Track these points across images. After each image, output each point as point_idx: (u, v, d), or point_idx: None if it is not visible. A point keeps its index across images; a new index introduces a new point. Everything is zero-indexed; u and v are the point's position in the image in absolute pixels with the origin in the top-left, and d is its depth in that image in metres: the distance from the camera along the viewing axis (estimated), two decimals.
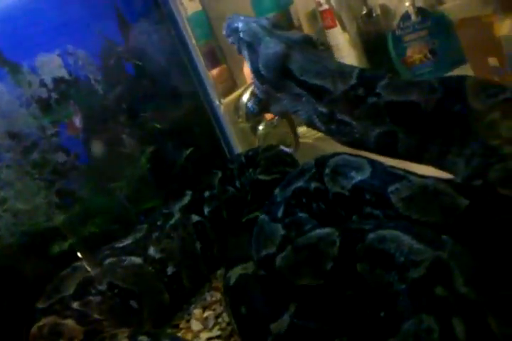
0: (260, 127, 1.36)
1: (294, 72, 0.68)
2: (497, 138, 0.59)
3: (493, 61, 1.22)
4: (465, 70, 1.47)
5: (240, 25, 0.75)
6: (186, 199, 0.88)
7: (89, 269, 0.69)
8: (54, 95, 0.82)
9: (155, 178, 0.93)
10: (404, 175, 0.58)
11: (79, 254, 0.73)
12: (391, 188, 0.56)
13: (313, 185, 0.64)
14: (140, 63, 0.91)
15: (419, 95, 0.64)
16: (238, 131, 1.32)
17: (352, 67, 0.69)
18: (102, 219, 0.84)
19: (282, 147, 0.99)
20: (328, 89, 0.67)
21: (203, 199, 0.89)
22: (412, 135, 0.66)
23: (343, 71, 0.68)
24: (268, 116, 1.43)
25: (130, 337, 0.54)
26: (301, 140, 1.48)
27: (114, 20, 0.90)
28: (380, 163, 0.62)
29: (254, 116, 1.36)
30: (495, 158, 0.57)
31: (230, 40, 0.77)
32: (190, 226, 0.84)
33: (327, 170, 0.63)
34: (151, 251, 0.76)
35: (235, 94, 1.36)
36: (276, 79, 0.71)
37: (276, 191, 0.67)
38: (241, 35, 0.74)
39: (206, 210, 0.88)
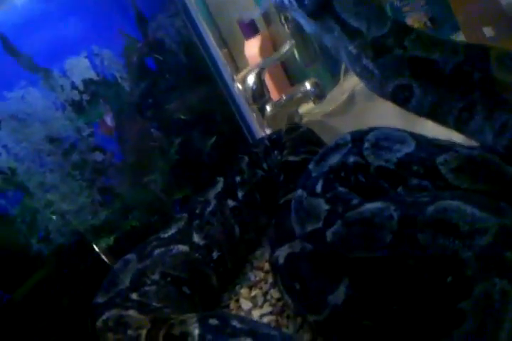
0: (268, 108, 1.38)
1: (335, 6, 0.68)
2: None
3: (488, 31, 1.23)
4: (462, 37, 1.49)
5: None
6: (219, 186, 0.91)
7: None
8: (85, 96, 0.84)
9: (184, 168, 0.96)
10: (450, 147, 0.59)
11: None
12: (439, 159, 0.58)
13: (351, 159, 0.63)
14: (160, 57, 0.93)
15: (441, 54, 0.65)
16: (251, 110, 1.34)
17: (387, 15, 0.69)
18: (140, 213, 0.88)
19: None
20: (361, 32, 0.67)
21: (235, 184, 0.92)
22: (428, 92, 0.67)
23: (380, 17, 0.68)
24: (274, 96, 1.45)
25: (200, 320, 0.56)
26: (308, 117, 1.52)
27: (132, 17, 0.91)
28: (423, 136, 0.62)
29: (260, 98, 1.38)
30: None
31: None
32: (227, 211, 0.87)
33: (367, 144, 0.63)
34: (196, 238, 0.80)
35: (239, 77, 1.38)
36: (315, 7, 0.69)
37: (311, 166, 0.66)
38: None
39: (240, 194, 0.91)
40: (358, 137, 0.65)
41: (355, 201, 0.60)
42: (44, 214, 0.77)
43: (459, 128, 0.68)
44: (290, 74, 1.61)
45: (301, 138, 0.95)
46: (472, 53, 0.65)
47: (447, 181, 0.58)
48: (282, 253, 0.68)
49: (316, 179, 0.64)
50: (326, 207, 0.60)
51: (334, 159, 0.65)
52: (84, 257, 0.80)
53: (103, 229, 0.83)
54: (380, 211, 0.55)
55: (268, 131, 1.36)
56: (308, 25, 0.74)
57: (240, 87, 1.14)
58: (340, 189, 0.63)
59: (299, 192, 0.64)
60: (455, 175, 0.58)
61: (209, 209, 0.85)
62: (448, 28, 1.52)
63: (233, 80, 1.06)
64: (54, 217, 0.76)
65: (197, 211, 0.85)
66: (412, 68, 0.67)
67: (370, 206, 0.56)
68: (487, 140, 0.65)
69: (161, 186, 0.91)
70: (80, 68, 0.83)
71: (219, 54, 1.01)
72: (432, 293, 0.50)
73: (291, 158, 0.89)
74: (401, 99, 0.69)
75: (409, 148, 0.61)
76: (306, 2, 0.71)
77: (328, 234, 0.57)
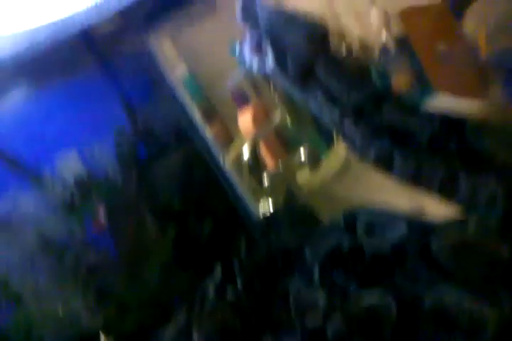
0: (265, 179, 1.38)
1: (318, 73, 0.70)
2: None
3: (442, 46, 1.25)
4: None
5: (262, 15, 0.74)
6: (217, 275, 0.88)
7: None
8: (77, 195, 0.83)
9: (182, 257, 0.93)
10: (442, 227, 0.59)
11: None
12: (433, 244, 0.57)
13: (346, 243, 0.64)
14: (151, 145, 0.92)
15: (417, 124, 0.67)
16: (245, 186, 1.33)
17: (367, 83, 0.71)
18: (139, 312, 0.84)
19: None
20: (342, 98, 0.69)
21: (233, 271, 0.89)
22: (408, 159, 0.68)
23: (360, 84, 0.71)
24: (270, 165, 1.45)
25: None
26: (306, 186, 1.51)
27: (121, 108, 0.92)
28: (413, 217, 0.63)
29: (257, 169, 1.38)
30: None
31: (248, 25, 0.76)
32: (227, 302, 0.84)
33: (359, 228, 0.63)
34: (195, 337, 0.76)
35: (235, 151, 1.38)
36: (300, 74, 0.72)
37: (307, 251, 0.67)
38: (263, 26, 0.74)
39: (239, 283, 0.88)
40: (351, 220, 0.65)
41: (352, 289, 0.59)
42: (38, 323, 0.74)
43: (445, 197, 0.68)
44: (284, 141, 1.61)
45: (296, 219, 0.93)
46: (448, 124, 0.66)
47: (442, 266, 0.57)
48: None
49: (312, 266, 0.64)
50: (324, 299, 0.59)
51: (329, 243, 0.65)
52: None
53: (100, 332, 0.79)
54: (378, 303, 0.55)
55: (267, 204, 1.34)
56: (293, 92, 0.76)
57: (230, 165, 1.13)
58: (337, 276, 0.63)
59: (297, 281, 0.65)
60: (450, 258, 0.57)
61: (208, 303, 0.82)
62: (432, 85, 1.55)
63: (223, 159, 1.06)
64: (48, 323, 0.72)
65: (196, 308, 0.81)
66: (390, 134, 0.68)
67: (369, 298, 0.56)
68: (478, 210, 0.65)
69: (158, 280, 0.88)
70: (70, 165, 0.82)
71: (209, 135, 1.01)
72: None
73: (287, 240, 0.87)
74: (383, 164, 0.70)
75: (401, 231, 0.61)
76: (290, 70, 0.73)
77: (329, 331, 0.57)
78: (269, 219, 0.98)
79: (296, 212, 0.96)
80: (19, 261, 0.72)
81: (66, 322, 0.77)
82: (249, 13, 0.75)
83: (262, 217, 1.01)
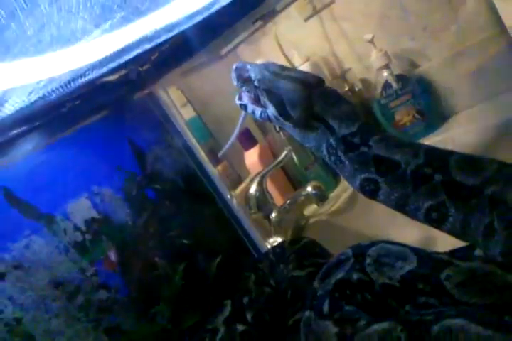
0: (273, 214, 1.41)
1: (317, 111, 0.73)
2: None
3: None
4: (454, 123, 1.55)
5: (252, 74, 0.77)
6: (227, 310, 0.89)
7: None
8: (88, 236, 0.87)
9: (191, 294, 0.95)
10: (450, 260, 0.58)
11: None
12: (443, 275, 0.57)
13: (355, 276, 0.63)
14: (159, 187, 0.97)
15: (402, 156, 0.69)
16: (253, 222, 1.36)
17: (357, 117, 0.74)
18: None
19: None
20: (335, 129, 0.73)
21: (243, 306, 0.90)
22: (393, 188, 0.70)
23: (349, 118, 0.73)
24: (278, 202, 1.48)
25: None
26: (315, 217, 1.53)
27: (130, 153, 0.97)
28: (421, 249, 0.62)
29: (264, 205, 1.41)
30: None
31: (244, 89, 0.79)
32: (237, 337, 0.85)
33: (368, 260, 0.63)
34: None
35: (242, 188, 1.42)
36: (303, 117, 0.74)
37: (316, 284, 0.66)
38: (256, 83, 0.76)
39: (249, 316, 0.88)
40: (359, 253, 0.65)
41: (363, 321, 0.59)
42: None
43: (433, 225, 0.69)
44: (292, 178, 1.65)
45: (304, 251, 0.95)
46: (431, 156, 0.68)
47: (454, 297, 0.57)
48: None
49: (322, 298, 0.63)
50: (334, 329, 0.58)
51: (338, 276, 0.65)
52: None
53: None
54: (387, 332, 0.54)
55: (275, 239, 1.37)
56: (294, 133, 0.79)
57: (236, 202, 1.17)
58: (348, 308, 0.62)
59: (307, 313, 0.63)
60: (460, 290, 0.57)
61: (218, 337, 0.83)
62: (436, 118, 1.59)
63: (231, 196, 1.09)
64: None
65: (207, 340, 0.82)
66: (376, 165, 0.71)
67: (378, 327, 0.55)
68: (476, 242, 0.67)
69: (168, 316, 0.90)
70: (81, 210, 0.86)
71: (215, 174, 1.05)
72: None
73: (297, 273, 0.89)
74: (368, 191, 0.72)
75: (411, 264, 0.60)
76: (294, 117, 0.76)
77: None
78: (277, 254, 1.00)
79: (303, 245, 0.98)
80: (31, 301, 0.75)
81: None
82: (243, 78, 0.79)
83: (270, 251, 1.03)
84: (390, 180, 0.70)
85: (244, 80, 0.78)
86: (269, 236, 1.38)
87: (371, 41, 1.59)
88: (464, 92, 1.50)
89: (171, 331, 0.90)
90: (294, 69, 0.83)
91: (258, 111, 0.80)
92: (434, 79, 1.60)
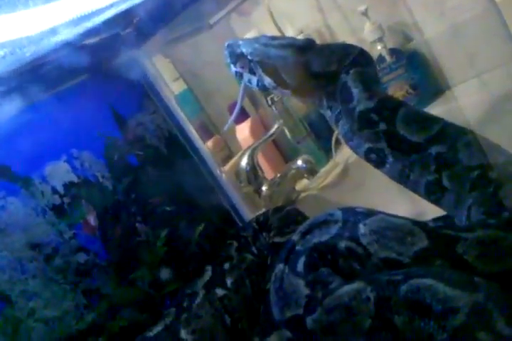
0: (263, 188, 1.40)
1: (315, 71, 0.73)
2: None
3: None
4: (447, 98, 1.53)
5: (244, 49, 0.77)
6: (207, 275, 0.89)
7: None
8: (66, 199, 0.86)
9: (173, 260, 0.95)
10: (456, 234, 0.57)
11: None
12: (459, 249, 0.56)
13: (343, 243, 0.61)
14: (141, 153, 0.96)
15: (358, 93, 0.70)
16: (243, 195, 1.35)
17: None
18: (129, 312, 0.86)
19: None
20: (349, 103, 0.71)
21: (223, 271, 0.91)
22: (397, 159, 0.69)
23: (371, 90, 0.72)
24: (269, 176, 1.47)
25: None
26: (305, 192, 1.53)
27: (111, 119, 0.96)
28: (423, 223, 0.60)
29: (255, 179, 1.41)
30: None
31: (238, 65, 0.78)
32: (216, 301, 0.85)
33: (364, 230, 0.60)
34: (183, 334, 0.77)
35: (233, 161, 1.41)
36: (300, 81, 0.74)
37: (295, 237, 0.65)
38: (249, 57, 0.76)
39: (229, 282, 0.89)
40: (352, 220, 0.62)
41: (334, 284, 0.59)
42: (27, 323, 0.76)
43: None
44: (283, 152, 1.64)
45: (286, 218, 0.95)
46: (382, 104, 0.69)
47: (476, 269, 0.55)
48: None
49: (299, 254, 0.63)
50: (305, 291, 0.59)
51: (322, 237, 0.63)
52: None
53: (90, 332, 0.80)
54: (356, 293, 0.54)
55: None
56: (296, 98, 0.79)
57: (224, 173, 1.16)
58: (323, 269, 0.62)
59: (281, 266, 0.63)
60: (482, 261, 0.56)
61: (197, 301, 0.83)
62: (429, 93, 1.57)
63: (219, 167, 1.08)
64: (37, 326, 0.74)
65: (184, 304, 0.83)
66: (387, 139, 0.70)
67: (348, 288, 0.55)
68: (416, 193, 0.69)
69: (149, 281, 0.90)
70: (60, 173, 0.86)
71: (201, 144, 1.04)
72: None
73: (277, 240, 0.89)
74: (374, 160, 0.72)
75: (423, 240, 0.58)
76: (291, 84, 0.75)
77: (308, 321, 0.56)
78: (261, 222, 0.99)
79: (286, 212, 0.97)
80: (7, 262, 0.74)
81: (55, 321, 0.78)
82: (236, 54, 0.78)
83: (253, 219, 1.03)
84: (396, 151, 0.69)
85: (237, 56, 0.78)
86: (259, 209, 1.38)
87: (365, 13, 1.57)
88: (458, 67, 1.48)
89: (152, 295, 0.90)
90: (283, 37, 0.82)
91: (254, 79, 0.79)
92: (428, 53, 1.58)
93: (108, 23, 0.82)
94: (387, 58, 1.60)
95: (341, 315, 0.54)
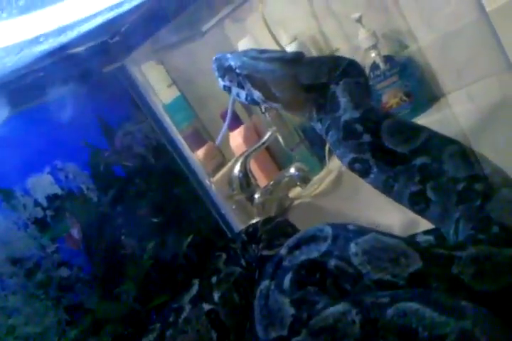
0: (256, 196, 1.39)
1: (305, 84, 0.72)
2: None
3: None
4: (442, 106, 1.52)
5: (232, 63, 0.76)
6: (194, 289, 0.88)
7: None
8: (49, 212, 0.84)
9: (160, 273, 0.93)
10: (450, 253, 0.56)
11: None
12: (454, 271, 0.54)
13: (332, 262, 0.59)
14: (129, 163, 0.94)
15: (346, 103, 0.69)
16: (235, 203, 1.34)
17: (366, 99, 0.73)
18: (113, 327, 0.84)
19: None
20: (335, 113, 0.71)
21: (211, 285, 0.89)
22: (382, 170, 0.68)
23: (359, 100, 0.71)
24: (262, 183, 1.46)
25: None
26: (299, 199, 1.51)
27: (98, 129, 0.94)
28: (416, 243, 0.61)
29: (248, 186, 1.40)
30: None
31: (226, 79, 0.78)
32: (202, 316, 0.84)
33: (356, 250, 0.58)
34: None
35: (225, 169, 1.40)
36: (290, 95, 0.73)
37: (283, 252, 0.63)
38: (238, 71, 0.75)
39: (216, 296, 0.87)
40: (342, 237, 0.60)
41: (321, 304, 0.58)
42: (6, 340, 0.74)
43: (360, 177, 0.71)
44: (277, 160, 1.63)
45: (276, 230, 0.93)
46: (368, 115, 0.68)
47: (473, 289, 0.54)
48: None
49: (286, 271, 0.61)
50: (291, 310, 0.57)
51: (310, 254, 0.61)
52: None
53: None
54: (342, 316, 0.53)
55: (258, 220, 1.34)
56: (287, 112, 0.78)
57: (213, 183, 1.15)
58: (310, 288, 0.60)
59: (266, 283, 0.61)
60: (478, 280, 0.54)
61: (183, 315, 0.81)
62: (423, 100, 1.56)
63: (210, 182, 1.07)
64: None
65: (170, 319, 0.81)
66: (372, 151, 0.69)
67: (333, 310, 0.54)
68: (400, 202, 0.69)
69: (134, 295, 0.88)
70: (43, 185, 0.84)
71: (190, 154, 1.03)
72: None
73: (266, 253, 0.87)
74: (358, 170, 0.71)
75: (417, 262, 0.56)
76: (279, 95, 0.74)
77: None
78: (250, 233, 0.98)
79: (276, 224, 0.95)
80: None
81: (36, 338, 0.77)
82: (224, 67, 0.77)
83: (243, 231, 1.01)
84: (380, 162, 0.69)
85: (226, 70, 0.77)
86: (252, 217, 1.36)
87: (359, 20, 1.56)
88: (452, 74, 1.47)
89: (138, 310, 0.88)
90: (272, 50, 0.82)
91: (243, 93, 0.78)
92: (422, 60, 1.57)
93: (95, 31, 0.81)
94: (381, 65, 1.59)
95: (326, 339, 0.53)
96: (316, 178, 1.54)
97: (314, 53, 1.73)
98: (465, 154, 0.67)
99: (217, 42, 1.72)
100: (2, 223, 0.79)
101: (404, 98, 1.61)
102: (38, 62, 0.76)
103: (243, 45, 1.70)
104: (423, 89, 1.58)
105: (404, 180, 0.68)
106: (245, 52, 0.77)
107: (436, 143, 0.68)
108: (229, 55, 0.78)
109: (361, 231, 0.60)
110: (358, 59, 1.67)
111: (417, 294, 0.52)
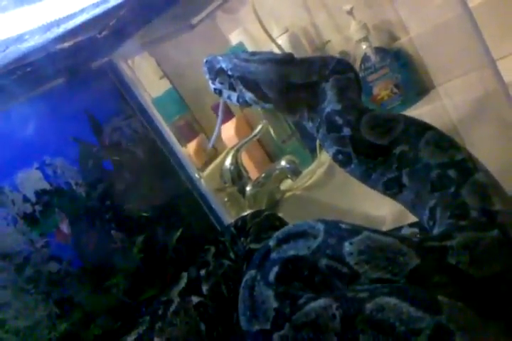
0: (248, 188, 1.40)
1: (297, 83, 0.73)
2: None
3: None
4: (432, 98, 1.53)
5: (224, 64, 0.77)
6: (183, 282, 0.89)
7: None
8: (38, 208, 0.85)
9: (150, 266, 0.95)
10: (441, 245, 0.57)
11: None
12: (450, 260, 0.55)
13: (324, 261, 0.59)
14: (117, 158, 0.95)
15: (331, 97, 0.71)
16: (227, 196, 1.36)
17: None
18: (103, 320, 0.85)
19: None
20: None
21: (199, 278, 0.90)
22: (362, 162, 0.71)
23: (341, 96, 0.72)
24: (253, 176, 1.47)
25: None
26: (290, 191, 1.53)
27: (86, 124, 0.94)
28: (408, 238, 0.59)
29: (239, 179, 1.41)
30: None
31: (217, 81, 0.79)
32: (191, 309, 0.85)
33: (350, 249, 0.58)
34: None
35: (217, 161, 1.41)
36: (281, 95, 0.74)
37: (271, 243, 0.64)
38: (229, 72, 0.76)
39: (205, 289, 0.89)
40: (335, 236, 0.60)
41: (304, 299, 0.58)
42: None
43: (340, 166, 0.74)
44: (268, 152, 1.64)
45: (264, 223, 0.94)
46: (348, 106, 0.70)
47: (473, 277, 0.56)
48: None
49: (273, 263, 0.62)
50: (275, 304, 0.58)
51: (299, 250, 0.62)
52: None
53: None
54: (323, 310, 0.54)
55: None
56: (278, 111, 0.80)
57: (202, 177, 1.15)
58: (295, 283, 0.61)
59: (253, 273, 0.62)
60: (474, 267, 0.56)
61: (172, 308, 0.83)
62: (413, 93, 1.58)
63: (198, 171, 1.08)
64: (8, 337, 0.73)
65: (159, 312, 0.82)
66: (353, 145, 0.71)
67: (315, 305, 0.55)
68: (374, 188, 0.71)
69: (124, 289, 0.89)
70: (31, 180, 0.85)
71: (179, 148, 1.03)
72: None
73: (253, 246, 0.88)
74: (340, 162, 0.74)
75: (414, 258, 0.57)
76: (271, 95, 0.75)
77: (275, 337, 0.56)
78: (239, 227, 0.99)
79: (264, 218, 0.96)
80: None
81: (26, 332, 0.78)
82: (215, 69, 0.78)
83: (232, 224, 1.02)
84: (360, 154, 0.70)
85: (217, 72, 0.78)
86: (244, 210, 1.38)
87: (350, 12, 1.56)
88: (442, 66, 1.48)
89: (128, 303, 0.89)
90: (263, 52, 0.83)
91: (234, 95, 0.79)
92: (412, 52, 1.58)
93: (82, 26, 0.81)
94: (372, 57, 1.60)
95: (308, 333, 0.54)
96: (307, 170, 1.55)
97: (306, 44, 1.73)
98: (441, 140, 0.68)
99: (209, 34, 1.71)
100: None
101: (395, 90, 1.62)
102: (24, 58, 0.76)
103: (235, 36, 1.71)
104: (413, 81, 1.60)
105: (382, 169, 0.70)
106: (236, 55, 0.78)
107: (413, 130, 0.69)
108: (220, 58, 0.79)
109: (354, 230, 0.60)
110: (350, 51, 1.68)
111: (395, 289, 0.53)
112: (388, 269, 0.57)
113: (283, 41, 1.65)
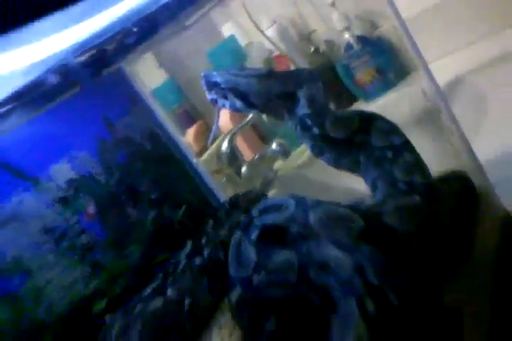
0: (243, 169, 1.58)
1: (278, 92, 0.89)
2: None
3: None
4: (409, 81, 1.67)
5: (218, 79, 0.91)
6: (188, 248, 1.10)
7: None
8: (69, 193, 1.08)
9: (160, 236, 1.17)
10: (381, 210, 0.79)
11: None
12: (386, 220, 0.78)
13: (294, 227, 0.77)
14: (129, 150, 1.16)
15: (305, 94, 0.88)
16: (225, 177, 1.54)
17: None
18: (125, 280, 1.09)
19: None
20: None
21: (201, 244, 1.11)
22: (332, 153, 0.89)
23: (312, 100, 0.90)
24: (248, 158, 1.65)
25: None
26: (283, 170, 1.70)
27: (102, 123, 1.16)
28: (358, 207, 0.81)
29: (235, 161, 1.59)
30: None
31: (213, 93, 0.93)
32: (194, 268, 1.06)
33: (313, 217, 0.76)
34: (169, 292, 0.98)
35: (214, 146, 1.59)
36: (265, 103, 0.90)
37: (254, 213, 0.80)
38: (223, 85, 0.91)
39: (206, 253, 1.09)
40: (302, 207, 0.79)
41: (276, 254, 0.78)
42: (45, 290, 0.99)
43: (316, 157, 0.93)
44: (261, 135, 1.81)
45: (253, 201, 1.14)
46: (316, 109, 0.88)
47: (401, 232, 0.77)
48: (235, 294, 0.84)
49: (255, 227, 0.80)
50: (255, 258, 0.78)
51: (276, 219, 0.80)
52: (83, 320, 1.01)
53: (94, 296, 1.04)
54: (287, 261, 0.76)
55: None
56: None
57: (200, 161, 1.35)
58: (271, 242, 0.80)
59: (239, 233, 0.81)
60: (401, 224, 0.78)
61: (180, 267, 1.04)
62: (394, 77, 1.72)
63: (196, 158, 1.28)
64: (52, 293, 0.97)
65: (170, 270, 1.04)
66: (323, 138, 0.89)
67: (282, 255, 0.76)
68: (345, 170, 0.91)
69: (140, 255, 1.12)
70: (62, 172, 1.07)
71: (180, 138, 1.24)
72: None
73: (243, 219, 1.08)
74: (316, 152, 0.92)
75: (360, 223, 0.76)
76: (259, 105, 0.91)
77: (255, 279, 0.77)
78: (232, 203, 1.19)
79: (255, 197, 1.16)
80: (27, 244, 0.97)
81: (67, 289, 1.02)
82: (211, 83, 0.92)
83: (227, 201, 1.22)
84: (332, 147, 0.89)
85: (212, 85, 0.93)
86: (241, 189, 1.55)
87: (332, 4, 1.69)
88: (423, 49, 1.60)
89: (144, 266, 1.12)
90: (250, 68, 1.00)
91: (227, 104, 0.94)
92: (392, 38, 1.69)
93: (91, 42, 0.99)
94: (355, 46, 1.73)
95: (277, 276, 0.75)
96: (298, 150, 1.71)
97: (294, 35, 1.86)
98: (385, 128, 0.88)
99: (202, 26, 1.84)
100: (34, 202, 1.03)
101: (376, 75, 1.76)
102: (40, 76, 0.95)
103: (227, 29, 1.84)
104: (393, 66, 1.73)
105: (348, 155, 0.89)
106: (228, 70, 0.93)
107: (365, 122, 0.89)
108: (215, 73, 0.94)
109: (317, 203, 0.80)
110: (334, 40, 1.80)
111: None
112: (342, 230, 0.77)
113: (272, 32, 1.79)
